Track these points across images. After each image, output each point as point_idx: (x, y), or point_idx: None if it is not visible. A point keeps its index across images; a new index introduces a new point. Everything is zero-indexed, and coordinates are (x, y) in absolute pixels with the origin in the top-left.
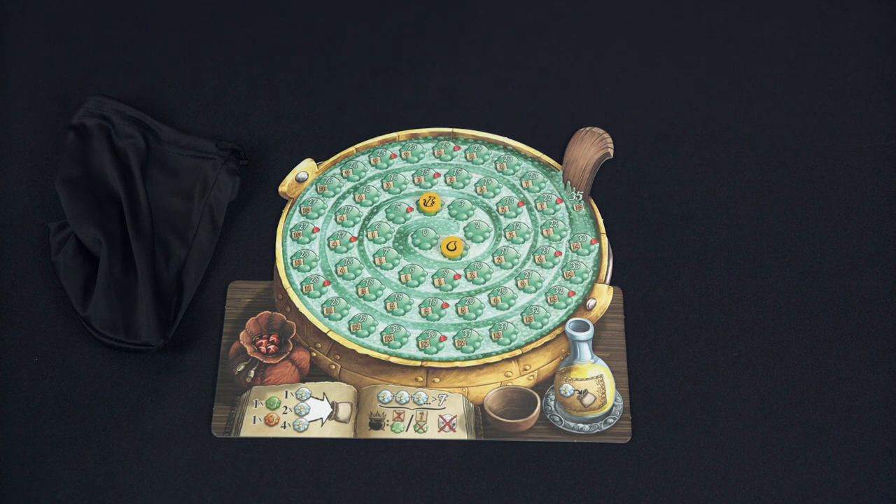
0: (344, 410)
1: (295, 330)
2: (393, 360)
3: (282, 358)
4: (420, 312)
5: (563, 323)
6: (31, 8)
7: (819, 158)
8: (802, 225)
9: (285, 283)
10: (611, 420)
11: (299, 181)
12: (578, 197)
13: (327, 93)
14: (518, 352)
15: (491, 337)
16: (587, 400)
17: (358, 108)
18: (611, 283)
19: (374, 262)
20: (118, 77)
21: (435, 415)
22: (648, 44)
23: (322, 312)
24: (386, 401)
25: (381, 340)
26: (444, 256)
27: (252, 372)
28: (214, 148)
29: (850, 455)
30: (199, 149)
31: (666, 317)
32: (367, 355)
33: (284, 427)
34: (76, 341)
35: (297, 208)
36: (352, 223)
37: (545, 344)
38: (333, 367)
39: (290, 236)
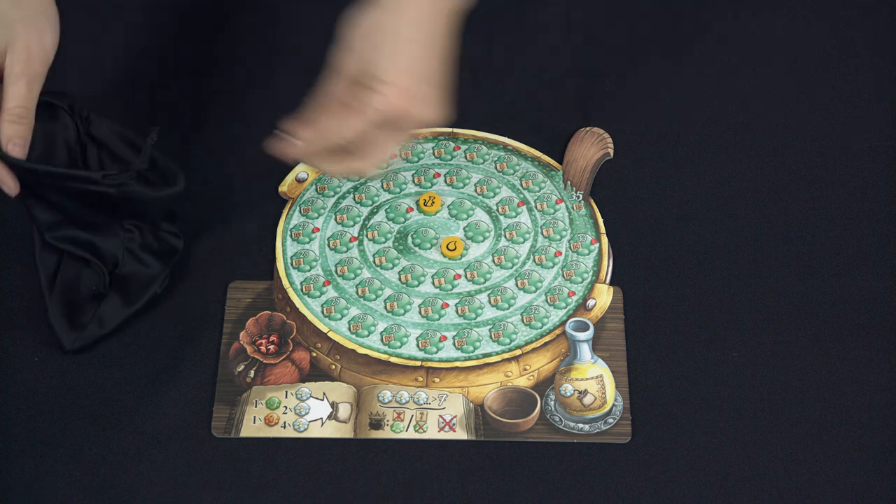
0: (344, 410)
1: (295, 330)
2: (393, 360)
3: (282, 358)
4: (420, 312)
5: (563, 323)
6: None
7: (819, 158)
8: (802, 225)
9: (285, 283)
10: (611, 420)
11: (299, 181)
12: (578, 197)
13: None
14: (518, 352)
15: (491, 337)
16: (587, 400)
17: None
18: (611, 283)
19: (374, 262)
20: (117, 76)
21: (435, 415)
22: (648, 44)
23: (322, 312)
24: (386, 401)
25: (381, 340)
26: (444, 256)
27: (252, 372)
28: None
29: (850, 455)
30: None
31: (666, 317)
32: (367, 355)
33: (284, 427)
34: None
35: (297, 208)
36: (352, 223)
37: (545, 344)
38: (333, 367)
39: (290, 236)
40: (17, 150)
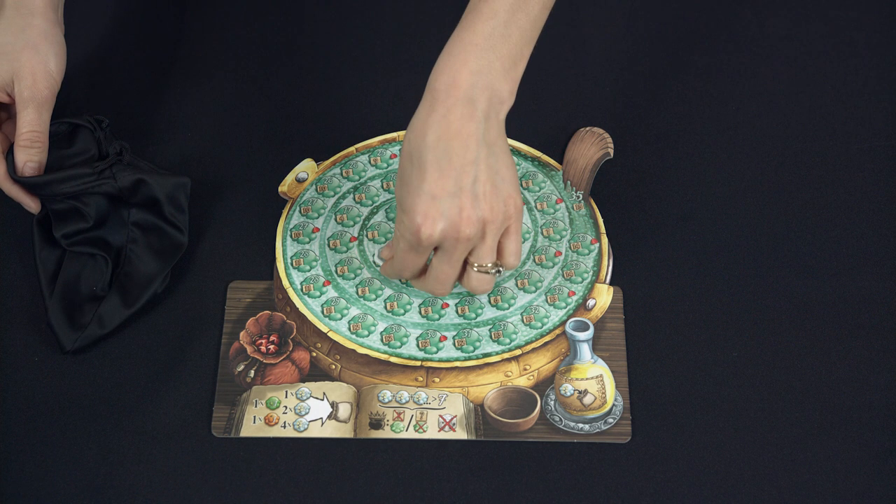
0: (344, 410)
1: (295, 330)
2: (393, 360)
3: (282, 358)
4: (420, 312)
5: (563, 323)
6: None
7: (819, 158)
8: (802, 225)
9: (285, 283)
10: (611, 420)
11: (299, 181)
12: (578, 197)
13: (327, 93)
14: (518, 352)
15: (491, 337)
16: (587, 400)
17: (358, 108)
18: (611, 283)
19: (374, 262)
20: (117, 75)
21: (435, 415)
22: (648, 44)
23: (322, 312)
24: (386, 401)
25: (381, 340)
26: None
27: (252, 372)
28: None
29: (850, 455)
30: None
31: (666, 317)
32: (367, 355)
33: (284, 427)
34: None
35: (297, 208)
36: (352, 223)
37: (545, 344)
38: (333, 367)
39: (290, 236)
40: (32, 173)
